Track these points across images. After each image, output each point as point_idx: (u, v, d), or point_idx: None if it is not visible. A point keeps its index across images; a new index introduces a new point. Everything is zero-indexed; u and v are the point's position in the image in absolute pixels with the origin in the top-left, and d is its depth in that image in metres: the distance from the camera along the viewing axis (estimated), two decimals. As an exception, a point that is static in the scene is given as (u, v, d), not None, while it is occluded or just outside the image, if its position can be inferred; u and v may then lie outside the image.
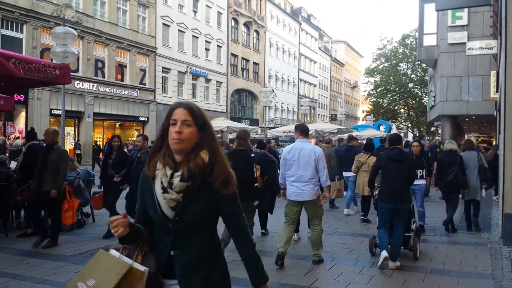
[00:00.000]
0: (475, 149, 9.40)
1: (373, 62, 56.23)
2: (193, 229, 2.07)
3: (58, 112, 22.33)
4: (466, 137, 42.39)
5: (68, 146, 24.17)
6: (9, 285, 5.14)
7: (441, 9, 18.72)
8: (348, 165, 10.45)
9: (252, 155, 6.37)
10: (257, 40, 47.20)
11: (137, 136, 8.51)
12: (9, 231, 7.79)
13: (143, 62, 30.95)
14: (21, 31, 22.54)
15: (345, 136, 18.66)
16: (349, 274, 5.72)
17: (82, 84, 25.76)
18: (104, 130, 29.38)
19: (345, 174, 10.81)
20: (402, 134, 52.15)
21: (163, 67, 32.69)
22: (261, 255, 2.39)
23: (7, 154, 11.07)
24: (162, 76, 32.83)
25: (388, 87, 52.19)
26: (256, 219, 7.50)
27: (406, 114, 56.40)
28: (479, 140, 37.91)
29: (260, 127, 33.34)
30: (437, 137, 42.47)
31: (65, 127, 22.83)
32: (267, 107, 26.78)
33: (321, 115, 65.98)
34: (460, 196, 8.54)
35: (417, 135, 53.34)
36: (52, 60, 11.45)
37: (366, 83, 59.56)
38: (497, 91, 14.40)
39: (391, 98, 53.91)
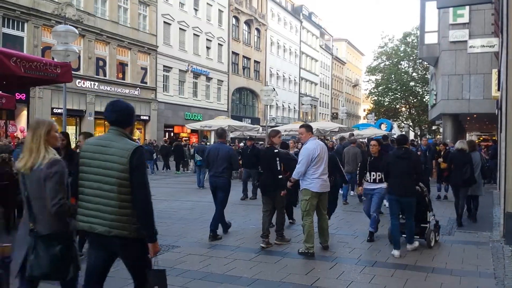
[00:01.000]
0: (478, 150, 10.30)
1: (374, 60, 56.18)
2: None
3: (59, 111, 22.36)
4: (467, 135, 42.36)
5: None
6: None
7: (442, 6, 18.64)
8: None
9: (276, 150, 7.15)
10: (258, 38, 47.18)
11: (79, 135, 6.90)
12: (11, 230, 7.79)
13: (144, 61, 30.96)
14: (22, 30, 22.56)
15: (346, 134, 18.64)
16: (350, 273, 5.71)
17: (84, 83, 25.78)
18: (106, 129, 29.39)
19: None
20: (403, 133, 52.20)
21: (164, 66, 32.69)
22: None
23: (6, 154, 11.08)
24: (163, 75, 32.83)
25: (389, 85, 52.12)
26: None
27: (407, 113, 56.33)
28: (481, 138, 37.86)
29: (261, 126, 33.31)
30: (438, 136, 42.46)
31: (67, 126, 23.01)
32: (268, 106, 26.76)
33: (322, 113, 65.94)
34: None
35: (419, 133, 53.31)
36: (53, 58, 11.44)
37: (368, 81, 59.53)
38: (498, 90, 14.37)
39: (392, 97, 53.84)
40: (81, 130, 26.48)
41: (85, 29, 25.38)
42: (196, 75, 36.75)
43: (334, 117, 64.28)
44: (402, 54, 52.45)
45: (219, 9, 39.70)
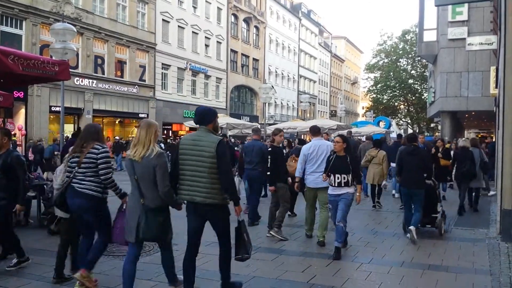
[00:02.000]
0: (479, 146, 11.40)
1: (373, 58, 56.27)
2: None
3: (57, 109, 22.33)
4: (466, 133, 42.39)
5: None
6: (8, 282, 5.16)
7: (441, 4, 18.67)
8: None
9: (270, 148, 7.97)
10: (257, 36, 47.14)
11: None
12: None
13: (143, 59, 30.93)
14: (21, 28, 22.53)
15: (344, 132, 18.65)
16: (347, 270, 5.74)
17: (82, 81, 25.76)
18: (104, 127, 29.37)
19: None
20: (401, 130, 52.28)
21: (162, 64, 32.66)
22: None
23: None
24: (162, 73, 32.81)
25: (388, 83, 52.17)
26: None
27: (406, 110, 56.40)
28: (479, 136, 37.86)
29: (260, 124, 33.34)
30: (437, 133, 42.49)
31: (65, 124, 22.98)
32: (267, 104, 26.79)
33: (321, 111, 65.95)
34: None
35: (417, 131, 53.37)
36: (51, 56, 11.44)
37: (366, 79, 59.63)
38: (496, 87, 14.38)
39: (391, 94, 53.90)
40: (79, 128, 26.50)
41: (83, 27, 25.34)
42: (195, 73, 36.72)
43: (333, 114, 64.28)
44: (401, 52, 52.49)
45: (217, 7, 39.65)
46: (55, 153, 18.09)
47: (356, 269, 5.77)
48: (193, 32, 36.20)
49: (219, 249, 4.64)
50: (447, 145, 14.69)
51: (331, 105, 70.40)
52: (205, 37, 37.82)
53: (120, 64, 29.24)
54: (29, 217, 8.41)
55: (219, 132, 4.67)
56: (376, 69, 55.08)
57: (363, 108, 73.51)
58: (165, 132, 34.03)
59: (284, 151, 9.18)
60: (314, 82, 63.20)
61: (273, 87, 28.92)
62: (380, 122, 37.33)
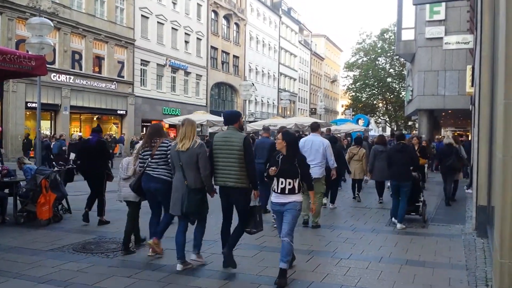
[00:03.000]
0: (459, 143, 12.63)
1: (352, 57, 56.71)
2: None
3: (34, 105, 21.93)
4: (442, 131, 43.07)
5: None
6: (-17, 280, 5.06)
7: (419, 3, 18.92)
8: None
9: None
10: (237, 33, 47.04)
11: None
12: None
13: (121, 54, 30.57)
14: (-5, 22, 22.03)
15: (324, 129, 18.75)
16: (326, 266, 5.79)
17: (59, 77, 25.33)
18: (82, 123, 28.96)
19: None
20: (380, 128, 52.87)
21: (141, 60, 32.34)
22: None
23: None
24: (141, 69, 32.49)
25: (366, 81, 52.68)
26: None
27: (384, 108, 57.04)
28: (455, 134, 38.55)
29: (240, 121, 33.28)
30: (414, 131, 43.07)
31: (41, 121, 22.56)
32: (247, 101, 26.75)
33: (301, 109, 66.24)
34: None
35: (395, 129, 54.04)
36: (28, 51, 11.21)
37: (346, 77, 60.06)
38: (472, 86, 14.63)
39: (369, 92, 54.43)
40: (56, 125, 26.07)
41: (60, 22, 24.92)
42: (174, 69, 36.46)
43: (313, 112, 64.62)
44: (379, 51, 53.02)
45: (197, 3, 39.42)
46: (63, 148, 18.20)
47: (335, 265, 5.82)
48: (172, 28, 35.92)
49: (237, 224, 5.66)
50: (424, 143, 14.83)
51: (311, 102, 70.75)
52: (185, 33, 37.58)
53: (98, 60, 28.85)
54: (5, 215, 8.26)
55: (242, 130, 5.90)
56: (355, 67, 55.54)
57: (342, 106, 74.06)
58: (144, 129, 33.69)
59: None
60: (294, 80, 63.43)
61: (253, 85, 28.92)
62: (359, 120, 37.68)
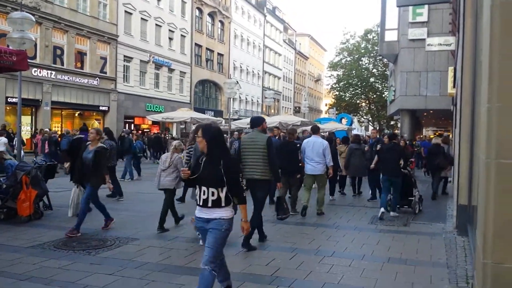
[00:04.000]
0: (449, 143, 13.91)
1: (336, 56, 56.98)
2: None
3: (14, 100, 21.56)
4: (424, 130, 43.60)
5: (25, 136, 23.30)
6: (-39, 278, 4.96)
7: (402, 5, 19.11)
8: None
9: (298, 145, 9.52)
10: (222, 31, 46.90)
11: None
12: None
13: (104, 50, 30.22)
14: (-25, 15, 21.58)
15: (308, 128, 18.80)
16: (309, 263, 5.80)
17: (40, 72, 24.94)
18: (63, 119, 28.56)
19: None
20: (363, 127, 53.26)
21: (124, 56, 32.02)
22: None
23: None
24: (124, 65, 32.16)
25: (350, 81, 53.03)
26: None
27: (367, 108, 57.49)
28: (437, 134, 39.05)
29: (224, 119, 33.19)
30: (396, 131, 43.49)
31: (22, 116, 22.16)
32: (231, 99, 26.67)
33: (285, 107, 66.39)
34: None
35: (377, 128, 54.54)
36: (8, 46, 11.00)
37: (329, 76, 60.33)
38: (454, 87, 14.82)
39: (353, 92, 54.80)
40: (37, 120, 25.66)
41: (42, 16, 24.51)
42: (158, 66, 36.19)
43: (297, 111, 64.80)
44: (363, 51, 53.39)
45: (182, 0, 39.16)
46: None
47: (318, 262, 5.84)
48: (156, 24, 35.63)
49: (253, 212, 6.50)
50: (402, 143, 14.17)
51: (295, 101, 70.97)
52: (169, 30, 37.31)
53: (80, 55, 28.47)
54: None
55: (266, 132, 7.14)
56: (339, 67, 55.85)
57: (326, 105, 74.41)
58: (127, 126, 33.39)
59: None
60: (279, 78, 63.53)
61: (238, 82, 28.81)
62: (343, 119, 37.91)
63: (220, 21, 46.20)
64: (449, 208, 10.26)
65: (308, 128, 18.27)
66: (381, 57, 42.32)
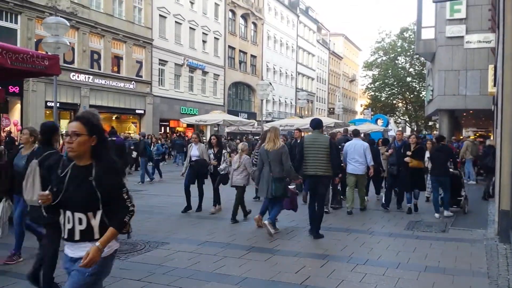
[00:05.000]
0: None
1: (371, 56, 56.11)
2: None
3: (53, 104, 22.12)
4: (464, 131, 42.31)
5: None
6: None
7: (439, 1, 18.56)
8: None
9: (340, 146, 10.31)
10: (255, 32, 46.91)
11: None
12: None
13: (140, 54, 30.70)
14: (16, 22, 22.27)
15: (341, 129, 18.51)
16: (341, 271, 5.60)
17: (78, 76, 25.54)
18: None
19: None
20: (400, 128, 52.15)
21: (159, 59, 32.45)
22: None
23: (2, 146, 11.07)
24: (159, 69, 32.59)
25: (386, 81, 52.08)
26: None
27: (404, 108, 56.33)
28: (477, 134, 37.80)
29: (257, 121, 33.17)
30: (435, 132, 42.41)
31: (61, 120, 22.77)
32: (264, 101, 26.61)
33: (319, 108, 65.83)
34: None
35: (415, 129, 53.32)
36: (47, 52, 11.27)
37: (364, 76, 59.50)
38: (494, 85, 14.26)
39: (389, 92, 53.81)
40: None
41: (79, 21, 25.11)
42: (192, 69, 36.51)
43: (331, 112, 64.15)
44: (399, 50, 52.38)
45: (215, 3, 39.38)
46: (131, 147, 18.33)
47: (351, 270, 5.63)
48: (190, 28, 35.95)
49: (316, 207, 7.41)
50: (428, 144, 12.87)
51: (329, 102, 70.27)
52: (203, 33, 37.58)
53: (117, 59, 29.01)
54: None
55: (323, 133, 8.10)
56: (374, 66, 54.96)
57: (361, 105, 73.27)
58: (162, 129, 33.83)
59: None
60: (312, 79, 63.03)
61: (270, 84, 28.71)
62: (378, 120, 37.23)
63: (253, 22, 46.22)
64: (491, 213, 9.81)
65: (341, 129, 18.03)
66: (418, 55, 41.34)
